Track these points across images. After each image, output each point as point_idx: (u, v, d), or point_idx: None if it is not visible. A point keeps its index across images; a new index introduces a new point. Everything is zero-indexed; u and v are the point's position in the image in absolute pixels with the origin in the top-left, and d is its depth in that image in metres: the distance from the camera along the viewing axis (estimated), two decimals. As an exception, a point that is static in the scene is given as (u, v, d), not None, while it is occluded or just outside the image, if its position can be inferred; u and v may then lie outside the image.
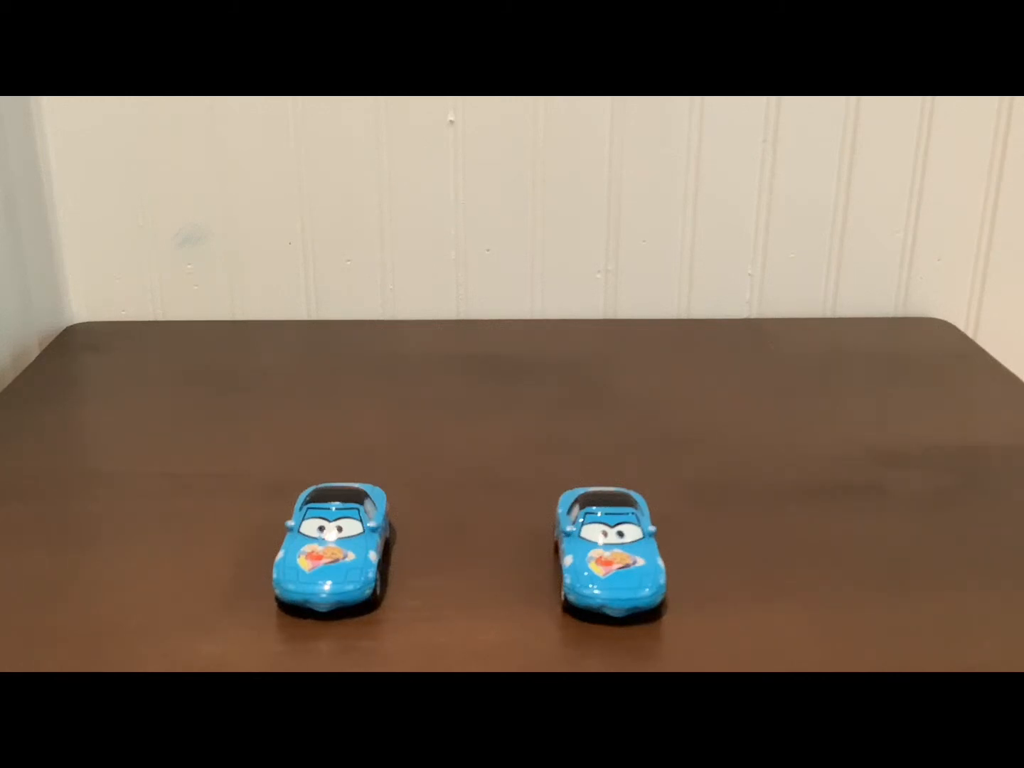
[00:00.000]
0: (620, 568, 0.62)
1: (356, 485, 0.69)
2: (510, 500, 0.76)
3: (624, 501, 0.67)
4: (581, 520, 0.65)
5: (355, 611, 0.63)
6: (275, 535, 0.68)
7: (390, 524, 0.71)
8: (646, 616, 0.62)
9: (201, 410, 0.91)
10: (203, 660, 0.59)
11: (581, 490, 0.69)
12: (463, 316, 1.14)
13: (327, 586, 0.61)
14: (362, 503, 0.67)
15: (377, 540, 0.65)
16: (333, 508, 0.66)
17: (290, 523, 0.66)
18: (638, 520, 0.65)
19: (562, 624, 0.62)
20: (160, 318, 1.13)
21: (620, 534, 0.64)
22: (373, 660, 0.59)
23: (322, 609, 0.62)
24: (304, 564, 0.63)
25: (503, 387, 0.96)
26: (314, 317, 1.13)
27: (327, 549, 0.64)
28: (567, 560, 0.63)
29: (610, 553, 0.63)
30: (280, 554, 0.64)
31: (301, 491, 0.69)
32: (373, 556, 0.64)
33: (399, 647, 0.60)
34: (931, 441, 0.86)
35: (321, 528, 0.65)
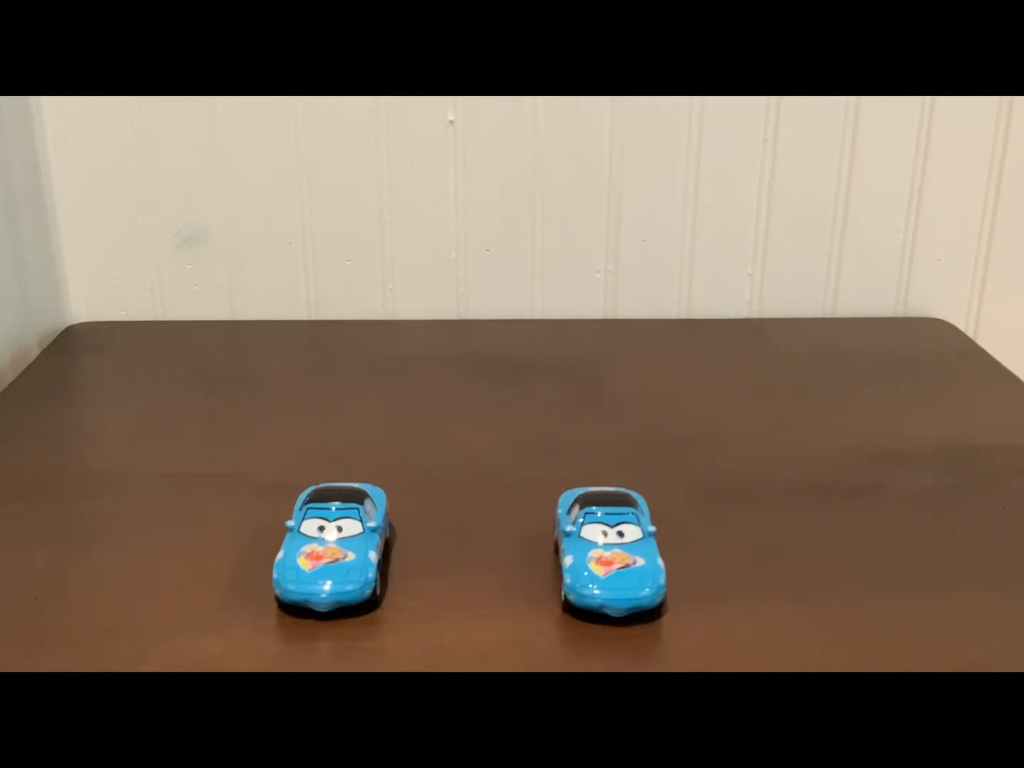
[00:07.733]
0: (620, 568, 0.62)
1: (356, 485, 0.69)
2: (510, 500, 0.76)
3: (624, 501, 0.67)
4: (581, 520, 0.65)
5: (355, 611, 0.63)
6: (275, 535, 0.68)
7: (390, 524, 0.71)
8: (646, 616, 0.62)
9: (201, 410, 0.91)
10: (203, 660, 0.59)
11: (581, 490, 0.69)
12: (463, 316, 1.14)
13: (327, 586, 0.61)
14: (362, 503, 0.67)
15: (377, 540, 0.65)
16: (333, 508, 0.66)
17: (290, 523, 0.66)
18: (638, 520, 0.65)
19: (562, 624, 0.62)
20: (160, 318, 1.13)
21: (620, 534, 0.64)
22: (373, 660, 0.59)
23: (322, 609, 0.62)
24: (304, 564, 0.63)
25: (503, 387, 0.96)
26: (314, 317, 1.13)
27: (327, 549, 0.64)
28: (567, 560, 0.63)
29: (610, 553, 0.63)
30: (280, 554, 0.64)
31: (301, 491, 0.69)
32: (373, 556, 0.64)
33: (399, 647, 0.60)
34: (931, 441, 0.86)
35: (321, 528, 0.65)
